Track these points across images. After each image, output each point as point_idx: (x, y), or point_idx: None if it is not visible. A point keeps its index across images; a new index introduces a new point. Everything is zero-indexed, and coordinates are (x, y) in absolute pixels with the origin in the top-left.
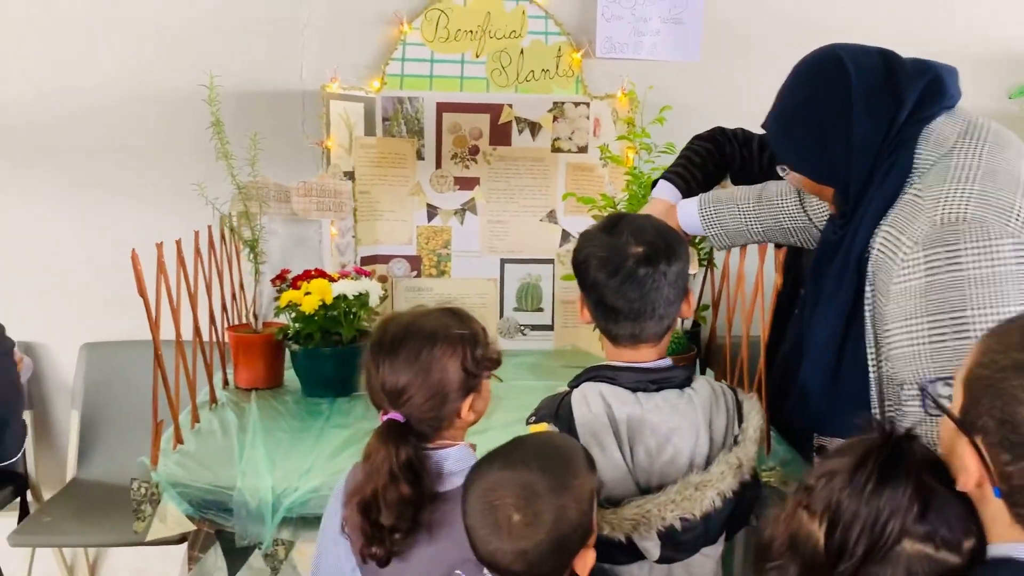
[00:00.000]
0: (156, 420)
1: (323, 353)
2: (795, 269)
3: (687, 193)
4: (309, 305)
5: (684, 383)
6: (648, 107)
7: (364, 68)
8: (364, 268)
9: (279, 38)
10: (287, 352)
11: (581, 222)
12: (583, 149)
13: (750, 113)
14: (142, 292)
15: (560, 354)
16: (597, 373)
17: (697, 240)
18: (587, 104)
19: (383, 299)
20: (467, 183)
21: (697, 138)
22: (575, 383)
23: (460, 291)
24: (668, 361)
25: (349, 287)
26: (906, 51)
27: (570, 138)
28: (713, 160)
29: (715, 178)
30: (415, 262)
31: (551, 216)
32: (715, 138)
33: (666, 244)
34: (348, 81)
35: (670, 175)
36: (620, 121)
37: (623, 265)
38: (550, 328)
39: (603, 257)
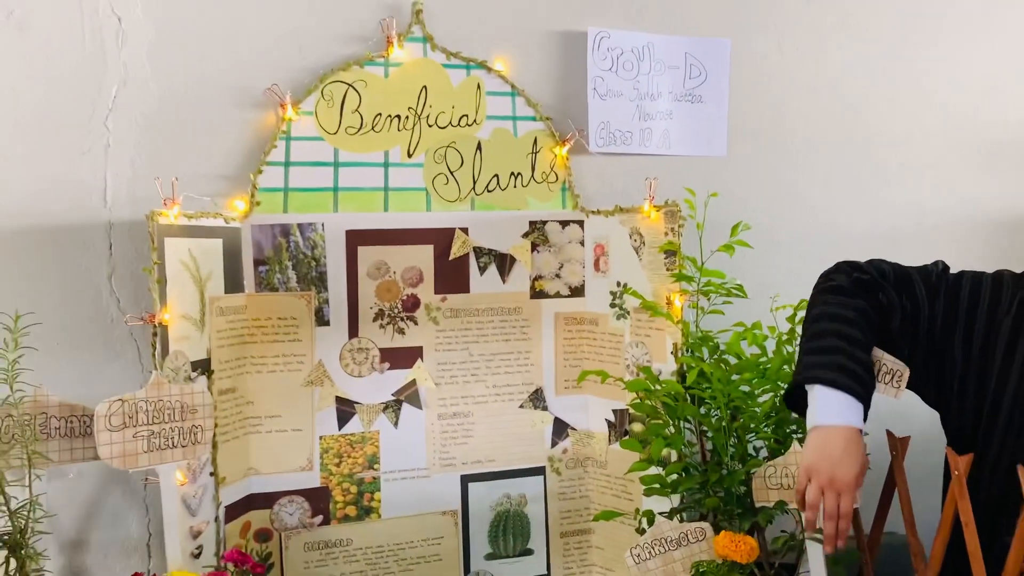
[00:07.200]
0: None
1: None
2: None
3: (866, 399)
4: None
5: None
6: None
7: (219, 179)
8: (240, 550)
9: (66, 130)
10: None
11: (581, 405)
12: (577, 291)
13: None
14: None
15: None
16: None
17: None
18: (580, 223)
19: None
20: (402, 358)
21: (829, 290)
22: None
23: (398, 538)
24: None
25: None
26: None
27: (557, 275)
28: (871, 325)
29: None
30: (318, 500)
31: (536, 398)
32: (861, 285)
33: None
34: (193, 204)
35: (836, 377)
36: (650, 248)
37: None
38: None
39: None
